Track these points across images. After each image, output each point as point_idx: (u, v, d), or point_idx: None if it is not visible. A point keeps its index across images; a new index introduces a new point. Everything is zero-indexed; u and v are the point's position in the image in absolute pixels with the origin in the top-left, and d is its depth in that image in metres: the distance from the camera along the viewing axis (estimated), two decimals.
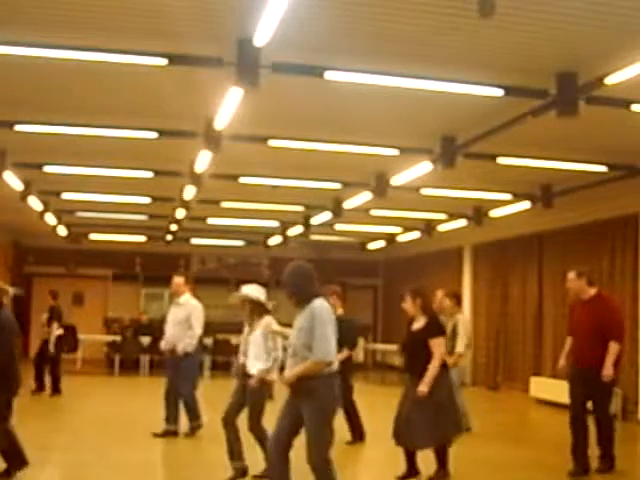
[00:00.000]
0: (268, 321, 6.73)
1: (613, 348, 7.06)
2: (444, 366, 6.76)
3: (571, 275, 7.42)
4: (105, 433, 8.97)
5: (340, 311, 8.50)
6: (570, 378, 7.45)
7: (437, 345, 6.66)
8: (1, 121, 8.23)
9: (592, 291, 7.38)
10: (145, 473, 7.15)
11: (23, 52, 5.92)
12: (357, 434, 8.61)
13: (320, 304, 5.08)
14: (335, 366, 5.11)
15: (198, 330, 8.87)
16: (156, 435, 8.67)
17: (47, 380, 12.31)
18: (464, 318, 9.75)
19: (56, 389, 12.23)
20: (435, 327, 6.81)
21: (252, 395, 6.58)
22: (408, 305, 6.90)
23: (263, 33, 5.44)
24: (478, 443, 8.82)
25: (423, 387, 6.52)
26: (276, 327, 6.74)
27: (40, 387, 12.26)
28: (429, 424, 6.56)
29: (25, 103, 7.91)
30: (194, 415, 8.85)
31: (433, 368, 6.57)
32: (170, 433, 8.73)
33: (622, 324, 7.52)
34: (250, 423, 6.59)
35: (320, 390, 5.01)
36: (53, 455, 7.63)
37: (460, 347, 9.24)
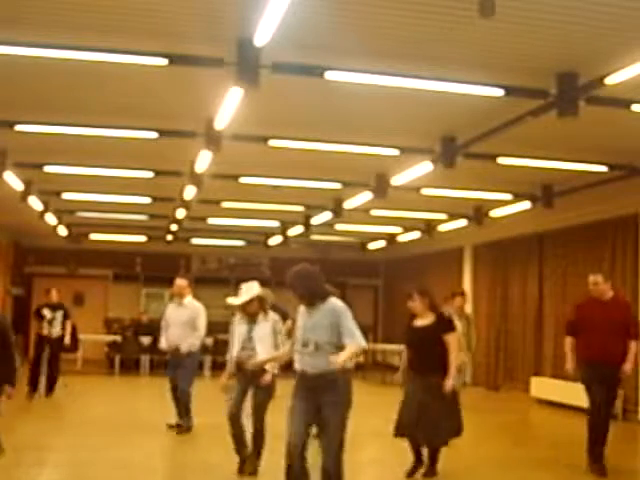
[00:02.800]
0: (276, 318, 6.89)
1: (635, 346, 7.40)
2: None
3: (600, 278, 7.70)
4: (105, 433, 8.96)
5: None
6: (592, 376, 7.41)
7: (453, 339, 6.76)
8: (1, 121, 8.23)
9: (611, 292, 7.71)
10: (145, 472, 7.14)
11: (23, 52, 5.92)
12: None
13: (337, 301, 5.34)
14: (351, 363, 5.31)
15: (203, 331, 9.12)
16: (170, 426, 9.03)
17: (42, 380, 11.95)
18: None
19: (51, 388, 12.01)
20: (447, 323, 6.90)
21: (266, 390, 6.68)
22: (417, 303, 6.86)
23: (263, 33, 5.44)
24: (479, 442, 8.82)
25: (450, 381, 6.58)
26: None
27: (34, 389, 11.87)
28: (448, 420, 6.70)
29: (25, 103, 7.91)
30: (189, 414, 9.00)
31: (454, 362, 6.65)
32: (182, 427, 8.97)
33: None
34: (257, 417, 6.70)
35: (341, 384, 5.19)
36: (53, 455, 7.63)
37: None
